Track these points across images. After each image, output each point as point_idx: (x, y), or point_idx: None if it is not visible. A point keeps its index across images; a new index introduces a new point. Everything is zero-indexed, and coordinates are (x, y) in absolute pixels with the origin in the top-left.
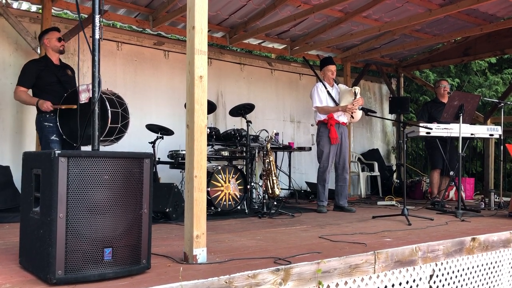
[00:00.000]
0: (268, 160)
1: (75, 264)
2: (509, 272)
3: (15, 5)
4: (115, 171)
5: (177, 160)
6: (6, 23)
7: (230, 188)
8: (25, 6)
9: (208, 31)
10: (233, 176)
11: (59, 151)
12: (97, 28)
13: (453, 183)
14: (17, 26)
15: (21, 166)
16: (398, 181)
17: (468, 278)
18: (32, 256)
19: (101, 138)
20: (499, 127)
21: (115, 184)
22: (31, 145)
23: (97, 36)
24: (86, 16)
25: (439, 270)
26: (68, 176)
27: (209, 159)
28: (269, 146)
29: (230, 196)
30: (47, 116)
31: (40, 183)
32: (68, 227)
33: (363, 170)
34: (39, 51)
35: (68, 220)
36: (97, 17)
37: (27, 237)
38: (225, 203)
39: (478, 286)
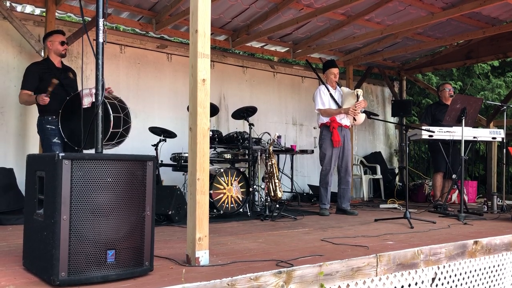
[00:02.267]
0: (270, 163)
1: (78, 266)
2: (511, 275)
3: (19, 8)
4: (118, 173)
5: (180, 163)
6: (10, 26)
7: (232, 190)
8: (29, 9)
9: (211, 34)
10: (236, 178)
11: (63, 154)
12: (100, 31)
13: (455, 186)
14: (21, 29)
15: (25, 168)
16: (401, 184)
17: (471, 282)
18: (35, 258)
19: (103, 143)
20: (501, 130)
21: (118, 186)
22: (34, 147)
23: (100, 40)
24: (89, 19)
25: (441, 273)
26: (72, 178)
27: (212, 162)
28: (271, 148)
29: (232, 199)
30: (49, 118)
31: (44, 186)
32: (71, 229)
33: (365, 173)
34: (43, 54)
35: (72, 222)
36: (101, 20)
37: (31, 239)
38: (227, 205)
39: None
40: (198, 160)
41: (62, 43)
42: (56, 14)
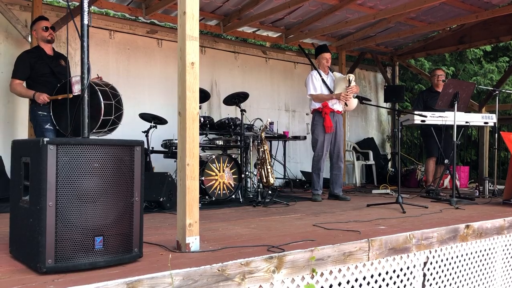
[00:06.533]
0: (262, 149)
1: (66, 253)
2: (502, 259)
3: None
4: (105, 159)
5: (171, 150)
6: None
7: (224, 177)
8: None
9: (202, 19)
10: (228, 165)
11: (48, 139)
12: (85, 13)
13: (448, 171)
14: (7, 14)
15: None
16: (393, 169)
17: (462, 265)
18: (22, 245)
19: (94, 130)
20: (493, 115)
21: (105, 172)
22: (23, 134)
23: (85, 22)
24: (77, 4)
25: (433, 257)
26: (57, 164)
27: (203, 148)
28: (263, 135)
29: (224, 185)
30: (41, 105)
31: (29, 172)
32: (58, 215)
33: (358, 159)
34: (29, 39)
35: (58, 209)
36: (85, 2)
37: (17, 226)
38: (219, 192)
39: (472, 273)
40: (187, 146)
41: (45, 29)
42: None
